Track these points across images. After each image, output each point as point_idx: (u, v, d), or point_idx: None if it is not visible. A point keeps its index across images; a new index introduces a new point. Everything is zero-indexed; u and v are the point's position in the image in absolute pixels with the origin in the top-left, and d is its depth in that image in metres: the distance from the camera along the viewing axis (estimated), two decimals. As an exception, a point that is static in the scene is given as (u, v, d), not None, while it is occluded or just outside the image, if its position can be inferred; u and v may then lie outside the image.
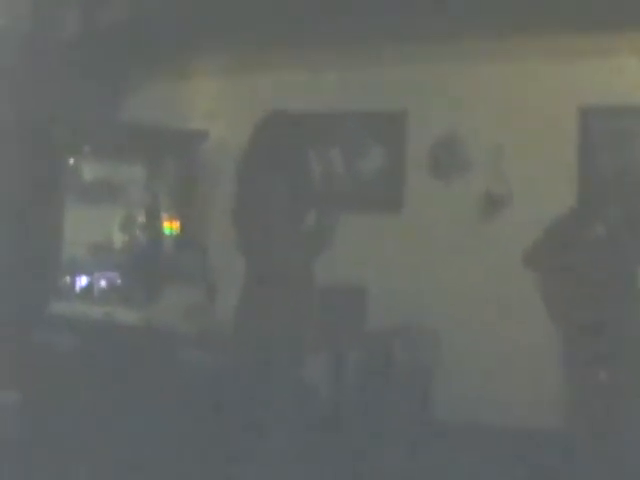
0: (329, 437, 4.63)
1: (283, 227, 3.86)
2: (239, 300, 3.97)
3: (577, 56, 5.39)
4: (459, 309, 5.47)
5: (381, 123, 5.90)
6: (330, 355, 4.91)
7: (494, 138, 5.53)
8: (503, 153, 5.51)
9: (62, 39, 5.63)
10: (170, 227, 6.14)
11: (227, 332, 4.14)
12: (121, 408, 4.57)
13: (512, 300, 5.31)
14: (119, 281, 5.82)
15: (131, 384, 4.62)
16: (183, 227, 6.11)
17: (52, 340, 5.04)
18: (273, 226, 3.85)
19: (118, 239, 6.10)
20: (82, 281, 5.85)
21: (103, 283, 5.83)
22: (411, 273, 5.62)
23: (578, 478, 4.08)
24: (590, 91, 5.37)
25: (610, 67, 5.36)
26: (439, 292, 5.54)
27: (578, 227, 4.16)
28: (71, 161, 6.04)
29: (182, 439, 4.38)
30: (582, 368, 4.09)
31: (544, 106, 5.48)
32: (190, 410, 4.49)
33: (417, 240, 5.68)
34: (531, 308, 4.65)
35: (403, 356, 5.22)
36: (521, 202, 5.48)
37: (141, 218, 6.07)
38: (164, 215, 6.12)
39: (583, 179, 5.34)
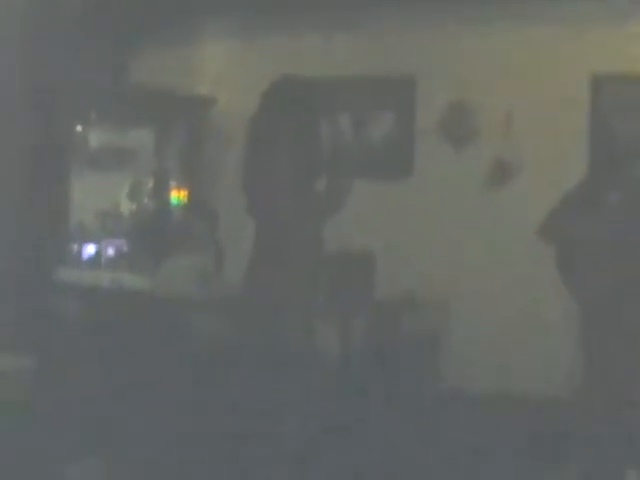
0: (336, 404, 4.63)
1: (292, 193, 3.84)
2: (247, 267, 3.96)
3: (591, 22, 5.33)
4: (468, 278, 5.46)
5: (391, 89, 5.86)
6: (338, 322, 4.91)
7: (505, 105, 5.48)
8: (514, 120, 5.47)
9: (68, 4, 5.58)
10: (178, 196, 6.12)
11: (235, 299, 4.13)
12: (129, 374, 4.58)
13: (521, 269, 5.30)
14: (126, 248, 5.82)
15: (139, 350, 4.63)
16: (191, 194, 6.09)
17: (60, 306, 5.04)
18: (282, 193, 3.83)
19: (126, 206, 6.10)
20: (90, 248, 5.85)
21: (111, 250, 5.84)
22: (420, 241, 5.60)
23: (585, 446, 4.07)
24: (603, 57, 5.32)
25: (624, 33, 5.30)
26: (448, 260, 5.53)
27: (593, 195, 4.12)
28: (79, 128, 6.01)
29: (190, 405, 4.39)
30: (596, 339, 4.07)
31: (556, 72, 5.43)
32: (198, 376, 4.49)
33: (426, 208, 5.65)
34: (540, 277, 4.63)
35: (411, 324, 5.22)
36: (532, 170, 5.44)
37: (149, 185, 6.06)
38: (172, 184, 6.10)
39: (596, 146, 5.30)
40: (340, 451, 4.33)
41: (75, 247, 5.87)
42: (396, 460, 4.40)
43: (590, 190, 4.15)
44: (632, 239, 3.98)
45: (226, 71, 6.16)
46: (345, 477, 4.13)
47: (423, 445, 4.58)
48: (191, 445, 4.20)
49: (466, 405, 5.13)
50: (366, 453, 4.39)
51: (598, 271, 4.02)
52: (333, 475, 4.09)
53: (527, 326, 5.25)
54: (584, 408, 4.08)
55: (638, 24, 5.29)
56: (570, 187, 4.22)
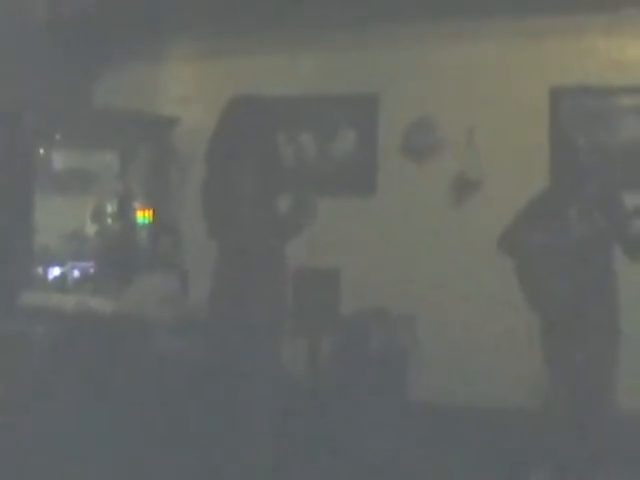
0: (306, 420, 4.63)
1: (255, 212, 3.84)
2: (212, 286, 3.95)
3: (548, 36, 5.41)
4: (434, 291, 5.48)
5: (354, 106, 5.89)
6: (305, 339, 4.91)
7: (466, 120, 5.53)
8: (475, 135, 5.52)
9: (32, 23, 5.56)
10: (144, 216, 6.09)
11: (201, 319, 4.12)
12: (96, 397, 4.55)
13: (486, 282, 5.33)
14: (92, 270, 5.78)
15: (106, 373, 4.59)
16: (156, 215, 6.06)
17: (25, 330, 4.99)
18: (244, 211, 3.83)
19: (90, 228, 6.06)
20: (55, 271, 5.80)
21: (76, 273, 5.79)
22: (385, 256, 5.64)
23: (553, 458, 4.10)
24: (561, 72, 5.39)
25: (581, 47, 5.38)
26: (414, 274, 5.55)
27: (552, 208, 4.17)
28: (42, 150, 5.96)
29: (158, 427, 4.37)
30: (558, 350, 4.11)
31: (516, 87, 5.50)
32: (166, 398, 4.47)
33: (391, 223, 5.69)
34: (505, 290, 4.66)
35: (378, 339, 5.23)
36: (494, 184, 5.49)
37: (113, 207, 6.03)
38: (137, 204, 6.07)
39: (555, 160, 5.35)
40: (310, 468, 4.32)
41: (40, 270, 5.81)
42: (366, 475, 4.41)
43: (550, 203, 4.20)
44: (591, 252, 4.04)
45: (189, 92, 6.16)
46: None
47: (393, 460, 4.59)
48: (158, 464, 4.18)
49: (435, 419, 5.15)
50: (336, 469, 4.39)
51: (557, 284, 4.07)
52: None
53: (495, 338, 5.28)
54: (550, 419, 4.12)
55: (595, 37, 5.38)
56: (530, 200, 4.27)
